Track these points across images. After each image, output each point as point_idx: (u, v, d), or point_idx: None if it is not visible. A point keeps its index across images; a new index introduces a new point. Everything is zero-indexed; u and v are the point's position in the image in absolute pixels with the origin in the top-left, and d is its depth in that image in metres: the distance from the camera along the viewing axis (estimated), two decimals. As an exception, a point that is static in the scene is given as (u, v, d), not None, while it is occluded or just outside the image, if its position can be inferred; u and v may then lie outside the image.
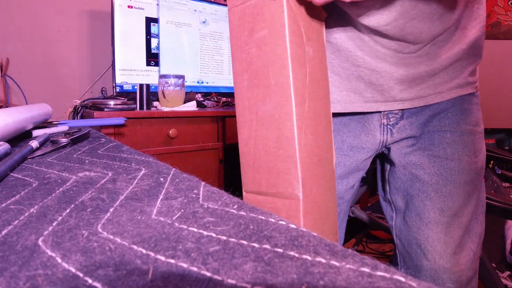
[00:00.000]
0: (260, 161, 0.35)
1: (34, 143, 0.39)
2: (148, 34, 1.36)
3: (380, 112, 0.55)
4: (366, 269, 0.12)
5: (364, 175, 0.63)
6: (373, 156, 0.60)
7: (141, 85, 1.17)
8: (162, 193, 0.23)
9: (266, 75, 0.33)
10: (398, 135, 0.56)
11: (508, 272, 1.06)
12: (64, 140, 0.43)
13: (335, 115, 0.56)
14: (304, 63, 0.33)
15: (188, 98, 1.34)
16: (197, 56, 1.49)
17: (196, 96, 1.42)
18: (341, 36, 0.49)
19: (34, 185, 0.25)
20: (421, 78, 0.50)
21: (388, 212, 0.62)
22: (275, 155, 0.33)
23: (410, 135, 0.55)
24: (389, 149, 0.59)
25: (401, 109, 0.54)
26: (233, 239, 0.15)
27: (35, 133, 0.52)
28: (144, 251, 0.14)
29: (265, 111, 0.34)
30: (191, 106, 1.25)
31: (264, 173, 0.34)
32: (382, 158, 0.64)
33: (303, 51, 0.33)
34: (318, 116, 0.35)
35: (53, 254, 0.14)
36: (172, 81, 1.19)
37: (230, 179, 1.30)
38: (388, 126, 0.56)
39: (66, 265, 0.13)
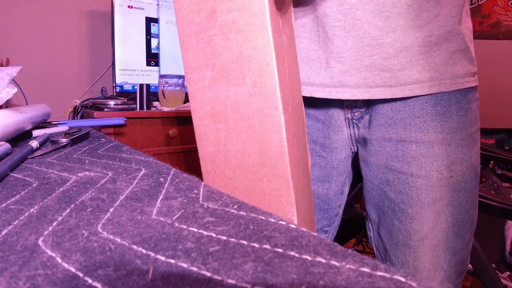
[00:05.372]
0: (235, 181, 0.28)
1: (34, 143, 0.39)
2: (148, 34, 1.36)
3: (343, 108, 0.51)
4: (366, 269, 0.12)
5: (350, 179, 0.59)
6: (351, 156, 0.56)
7: (141, 85, 1.17)
8: (162, 193, 0.23)
9: (238, 72, 0.26)
10: (365, 130, 0.51)
11: (508, 273, 1.06)
12: (64, 140, 0.43)
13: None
14: (283, 55, 0.26)
15: (188, 98, 1.34)
16: (197, 56, 1.49)
17: (196, 96, 1.42)
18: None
19: (34, 185, 0.25)
20: (370, 61, 0.42)
21: (367, 222, 0.58)
22: (257, 173, 0.27)
23: (374, 135, 0.49)
24: (359, 157, 0.55)
25: (364, 101, 0.49)
26: (233, 239, 0.15)
27: (35, 133, 0.52)
28: (144, 251, 0.14)
29: (239, 119, 0.27)
30: (191, 106, 1.25)
31: (241, 195, 0.28)
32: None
33: (281, 40, 0.26)
34: (298, 118, 0.29)
35: (53, 254, 0.14)
36: (172, 81, 1.19)
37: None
38: (354, 121, 0.51)
39: (66, 265, 0.13)
